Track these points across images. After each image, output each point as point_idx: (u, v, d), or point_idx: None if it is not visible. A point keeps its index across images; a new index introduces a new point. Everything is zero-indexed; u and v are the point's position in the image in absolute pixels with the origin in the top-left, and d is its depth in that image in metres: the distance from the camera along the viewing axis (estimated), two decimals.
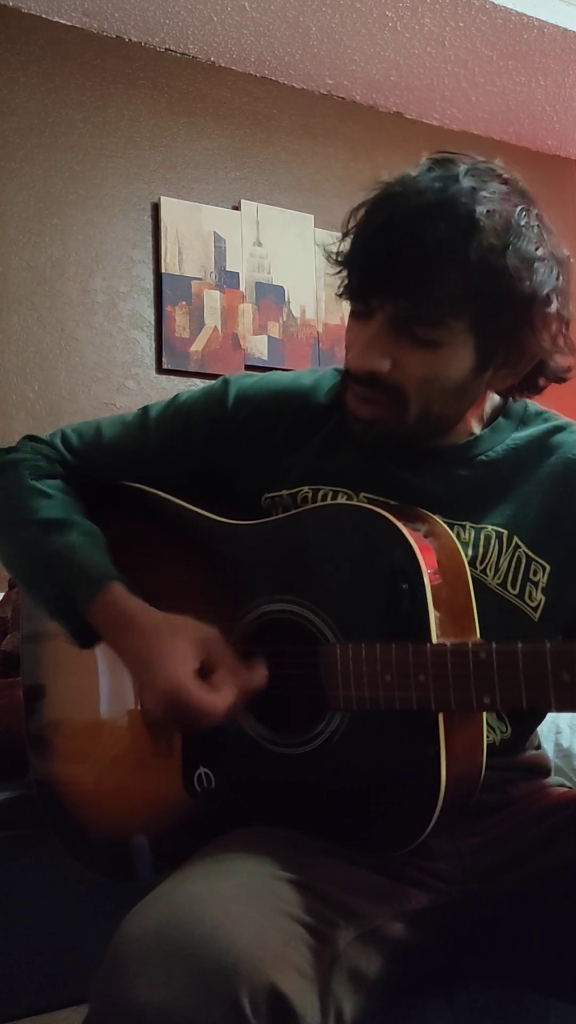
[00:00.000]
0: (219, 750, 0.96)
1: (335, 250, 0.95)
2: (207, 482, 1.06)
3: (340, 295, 0.95)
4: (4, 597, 1.87)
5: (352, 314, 0.95)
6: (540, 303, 0.90)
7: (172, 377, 2.80)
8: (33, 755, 1.14)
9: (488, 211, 0.86)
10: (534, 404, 1.05)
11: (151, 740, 1.01)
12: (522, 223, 0.88)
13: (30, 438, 1.11)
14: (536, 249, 0.89)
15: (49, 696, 1.13)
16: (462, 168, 0.89)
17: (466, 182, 0.87)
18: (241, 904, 0.75)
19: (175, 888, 0.78)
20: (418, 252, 0.86)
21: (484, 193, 0.87)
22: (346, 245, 0.93)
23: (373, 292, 0.90)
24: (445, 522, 0.93)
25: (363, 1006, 0.78)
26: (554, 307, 0.91)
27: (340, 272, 0.95)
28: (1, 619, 1.76)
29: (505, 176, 0.91)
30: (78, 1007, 1.25)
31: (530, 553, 0.95)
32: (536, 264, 0.88)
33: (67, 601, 0.97)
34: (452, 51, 2.94)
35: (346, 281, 0.94)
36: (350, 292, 0.93)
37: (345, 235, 0.94)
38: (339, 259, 0.94)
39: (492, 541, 0.95)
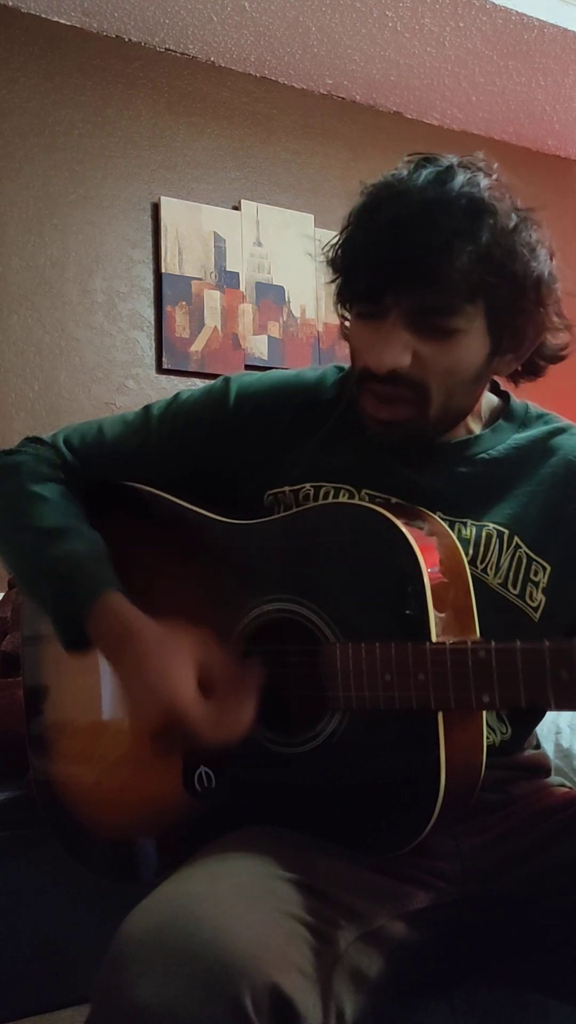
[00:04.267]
0: (219, 749, 0.96)
1: (331, 256, 0.95)
2: (209, 480, 1.06)
3: (343, 302, 0.96)
4: (4, 597, 1.87)
5: (360, 315, 0.94)
6: (546, 285, 0.93)
7: (172, 377, 2.80)
8: (34, 755, 1.14)
9: (494, 195, 0.89)
10: (535, 406, 1.06)
11: (151, 740, 1.01)
12: (517, 207, 0.92)
13: (31, 439, 1.11)
14: (533, 234, 0.92)
15: (50, 697, 1.13)
16: (453, 161, 0.91)
17: (460, 174, 0.89)
18: (242, 904, 0.74)
19: (176, 888, 0.78)
20: (433, 242, 0.87)
21: (482, 182, 0.90)
22: (346, 250, 0.93)
23: (386, 290, 0.90)
24: (446, 519, 0.93)
25: (364, 1006, 0.78)
26: (556, 285, 0.95)
27: (338, 279, 0.95)
28: (1, 619, 1.76)
29: (490, 170, 0.93)
30: (78, 1007, 1.24)
31: (531, 553, 0.96)
32: (538, 248, 0.92)
33: (66, 609, 0.96)
34: (452, 51, 2.94)
35: (348, 285, 0.94)
36: (358, 295, 0.93)
37: (343, 241, 0.94)
38: (340, 265, 0.94)
39: (493, 540, 0.95)
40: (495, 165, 0.95)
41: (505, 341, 0.94)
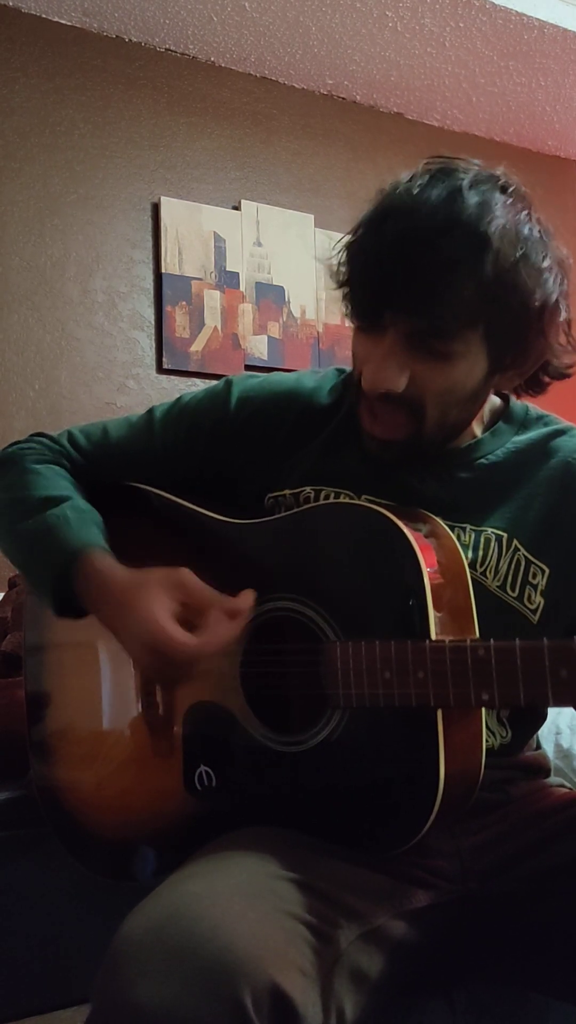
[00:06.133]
0: (220, 748, 0.96)
1: (336, 264, 0.94)
2: (211, 482, 1.07)
3: (348, 314, 0.95)
4: (4, 597, 1.87)
5: (360, 328, 0.94)
6: (550, 312, 0.91)
7: (172, 377, 2.80)
8: (35, 759, 1.14)
9: (499, 227, 0.86)
10: (535, 408, 1.06)
11: (152, 739, 1.01)
12: (527, 233, 0.89)
13: (39, 435, 1.12)
14: (543, 259, 0.90)
15: (52, 702, 1.13)
16: (465, 181, 0.88)
17: (471, 197, 0.86)
18: (242, 903, 0.75)
19: (176, 887, 0.78)
20: (434, 269, 0.85)
21: (492, 208, 0.87)
22: (349, 261, 0.93)
23: (386, 309, 0.89)
24: (446, 524, 0.93)
25: (364, 1005, 0.78)
26: (562, 314, 0.93)
27: (342, 288, 0.94)
28: (1, 619, 1.76)
29: (504, 183, 0.91)
30: (78, 1007, 1.25)
31: (529, 556, 0.96)
32: (545, 275, 0.90)
33: (50, 571, 0.97)
34: (452, 51, 2.94)
35: (349, 298, 0.93)
36: (358, 309, 0.93)
37: (350, 251, 0.93)
38: (343, 276, 0.93)
39: (492, 544, 0.95)
40: (512, 179, 0.91)
41: (507, 360, 0.93)
